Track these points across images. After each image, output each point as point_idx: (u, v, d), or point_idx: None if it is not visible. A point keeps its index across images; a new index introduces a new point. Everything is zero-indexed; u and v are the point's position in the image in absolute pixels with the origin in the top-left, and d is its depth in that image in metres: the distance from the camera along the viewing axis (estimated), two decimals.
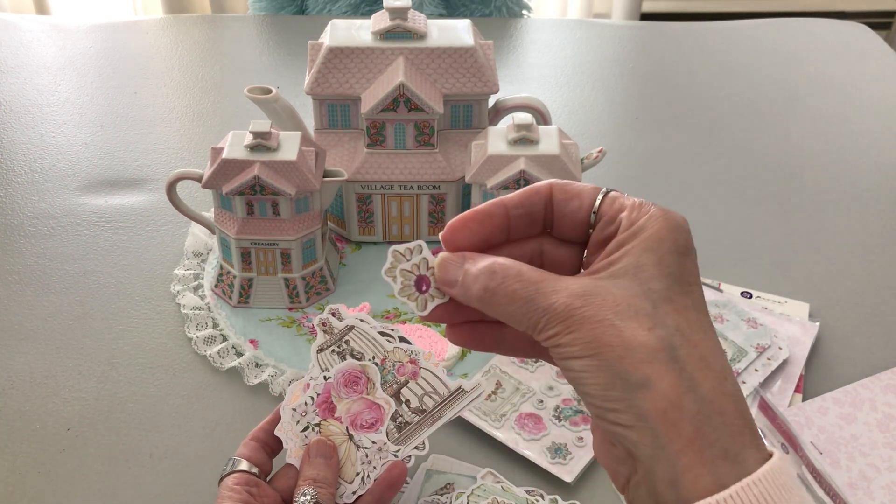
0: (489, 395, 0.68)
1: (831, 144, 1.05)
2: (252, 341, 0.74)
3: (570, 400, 0.67)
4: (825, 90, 1.18)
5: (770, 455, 0.33)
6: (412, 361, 0.54)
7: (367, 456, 0.54)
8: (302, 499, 0.51)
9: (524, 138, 0.75)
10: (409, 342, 0.55)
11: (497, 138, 0.76)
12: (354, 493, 0.54)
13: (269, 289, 0.77)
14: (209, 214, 0.83)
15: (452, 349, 0.72)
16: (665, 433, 0.32)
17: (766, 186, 0.97)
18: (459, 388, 0.54)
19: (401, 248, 0.40)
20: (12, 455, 0.64)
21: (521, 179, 0.73)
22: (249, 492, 0.51)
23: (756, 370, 0.69)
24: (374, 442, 0.54)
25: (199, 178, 0.75)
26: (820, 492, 0.60)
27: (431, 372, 0.54)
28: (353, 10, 1.39)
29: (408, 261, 0.40)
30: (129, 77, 1.19)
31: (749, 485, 0.32)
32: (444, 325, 0.75)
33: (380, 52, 0.79)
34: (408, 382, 0.54)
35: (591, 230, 0.38)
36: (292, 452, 0.55)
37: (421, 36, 0.79)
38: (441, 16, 1.39)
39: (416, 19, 0.80)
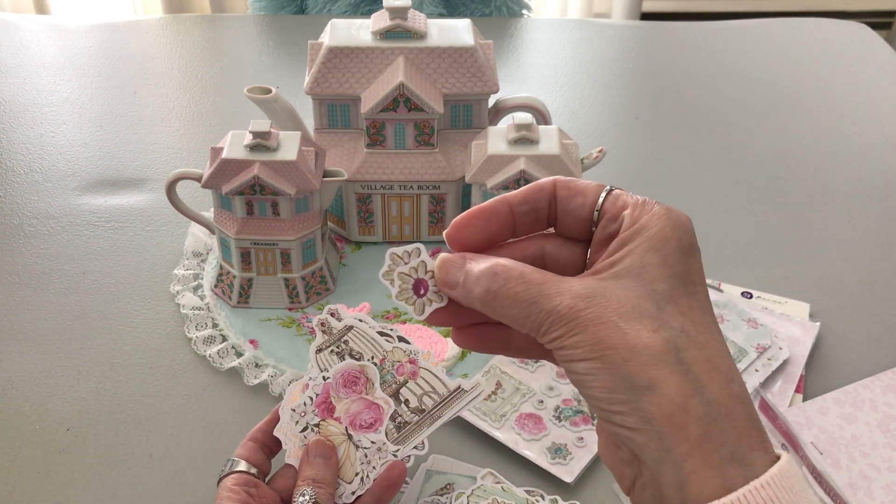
0: (489, 396, 0.68)
1: (831, 144, 1.05)
2: (252, 341, 0.74)
3: (570, 400, 0.67)
4: (825, 90, 1.18)
5: (778, 457, 0.33)
6: (411, 361, 0.54)
7: (366, 456, 0.54)
8: (301, 499, 0.50)
9: (524, 138, 0.75)
10: (408, 342, 0.54)
11: (497, 138, 0.76)
12: (354, 493, 0.54)
13: (269, 289, 0.77)
14: (209, 214, 0.83)
15: (452, 349, 0.72)
16: (671, 436, 0.32)
17: (767, 186, 0.97)
18: (459, 387, 0.53)
19: (398, 250, 0.40)
20: (12, 455, 0.64)
21: (521, 179, 0.73)
22: (248, 492, 0.51)
23: (756, 370, 0.69)
24: (373, 442, 0.54)
25: (198, 178, 0.75)
26: (820, 492, 0.60)
27: (430, 371, 0.54)
28: (352, 9, 1.39)
29: (406, 263, 0.39)
30: (128, 77, 1.19)
31: (757, 487, 0.31)
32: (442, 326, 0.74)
33: (380, 52, 0.79)
34: (407, 382, 0.54)
35: (594, 227, 0.38)
36: (291, 453, 0.55)
37: (421, 36, 0.79)
38: (441, 15, 1.39)
39: (416, 19, 0.80)
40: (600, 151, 0.78)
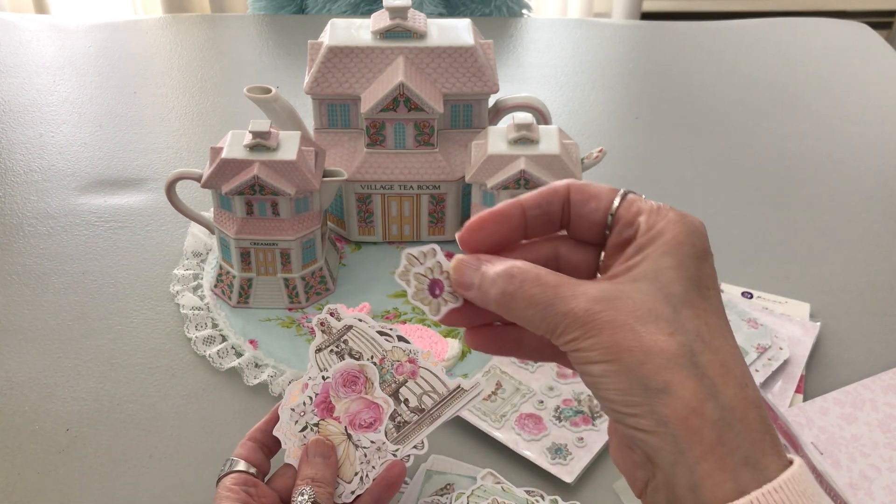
0: (489, 396, 0.68)
1: (832, 144, 1.05)
2: (252, 341, 0.74)
3: (570, 401, 0.67)
4: (825, 90, 1.18)
5: (791, 462, 0.33)
6: (411, 360, 0.54)
7: (365, 455, 0.54)
8: (300, 498, 0.50)
9: (524, 138, 0.75)
10: (407, 341, 0.54)
11: (497, 138, 0.76)
12: (353, 492, 0.54)
13: (269, 289, 0.77)
14: (209, 214, 0.83)
15: (452, 349, 0.72)
16: (686, 439, 0.32)
17: (767, 186, 0.97)
18: (458, 387, 0.53)
19: (414, 251, 0.40)
20: (11, 455, 0.64)
21: (522, 179, 0.73)
22: (247, 492, 0.51)
23: (757, 370, 0.69)
24: (372, 441, 0.54)
25: (198, 178, 0.75)
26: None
27: (430, 371, 0.54)
28: (352, 9, 1.39)
29: (421, 264, 0.40)
30: (128, 77, 1.19)
31: (770, 491, 0.31)
32: (443, 326, 0.75)
33: (379, 52, 0.79)
34: (406, 382, 0.54)
35: (607, 232, 0.38)
36: (291, 453, 0.55)
37: (421, 35, 0.79)
38: (441, 15, 1.39)
39: (416, 19, 0.80)
40: (600, 151, 0.78)
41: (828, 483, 0.60)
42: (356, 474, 0.54)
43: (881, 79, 1.22)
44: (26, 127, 1.07)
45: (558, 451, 0.63)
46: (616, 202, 0.37)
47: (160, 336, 0.75)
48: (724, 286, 0.80)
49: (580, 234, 0.39)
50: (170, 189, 0.78)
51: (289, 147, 0.73)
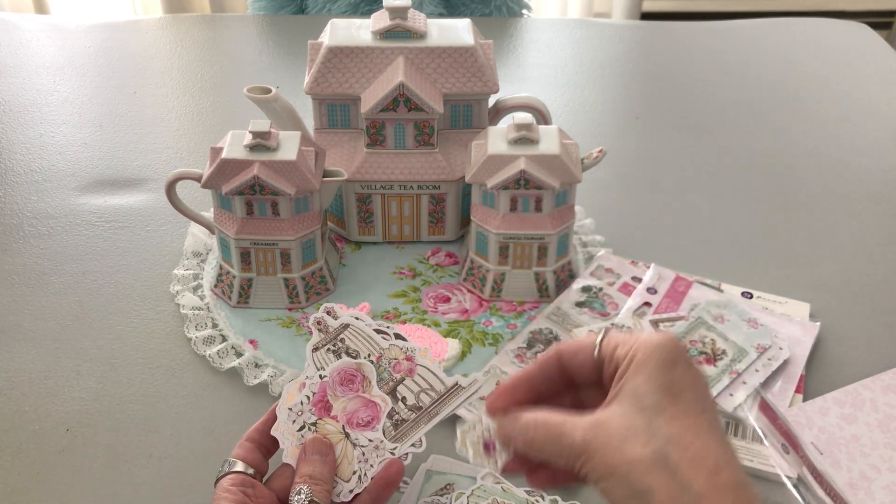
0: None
1: (831, 144, 1.05)
2: (251, 341, 0.74)
3: None
4: (825, 90, 1.18)
5: None
6: (408, 358, 0.54)
7: (363, 454, 0.54)
8: (297, 497, 0.50)
9: (524, 138, 0.75)
10: (404, 339, 0.54)
11: (497, 138, 0.76)
12: (352, 491, 0.54)
13: (269, 289, 0.77)
14: (209, 214, 0.83)
15: (452, 349, 0.72)
16: None
17: (767, 186, 0.97)
18: (456, 384, 0.53)
19: (465, 424, 0.48)
20: (11, 455, 0.64)
21: (522, 179, 0.73)
22: (245, 492, 0.51)
23: (756, 370, 0.69)
24: (370, 440, 0.54)
25: (198, 178, 0.75)
26: (820, 492, 0.60)
27: (428, 369, 0.54)
28: (352, 9, 1.39)
29: (473, 431, 0.48)
30: (128, 77, 1.19)
31: None
32: (444, 326, 0.75)
33: (379, 52, 0.79)
34: (404, 380, 0.54)
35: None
36: (289, 452, 0.55)
37: (421, 35, 0.79)
38: (441, 15, 1.39)
39: (416, 19, 0.80)
40: (600, 151, 0.77)
41: (828, 483, 0.60)
42: (354, 473, 0.54)
43: (881, 79, 1.22)
44: (26, 127, 1.07)
45: None
46: (597, 347, 0.44)
47: (160, 336, 0.75)
48: (723, 286, 0.80)
49: (588, 381, 0.46)
50: (170, 189, 0.78)
51: (289, 147, 0.73)
